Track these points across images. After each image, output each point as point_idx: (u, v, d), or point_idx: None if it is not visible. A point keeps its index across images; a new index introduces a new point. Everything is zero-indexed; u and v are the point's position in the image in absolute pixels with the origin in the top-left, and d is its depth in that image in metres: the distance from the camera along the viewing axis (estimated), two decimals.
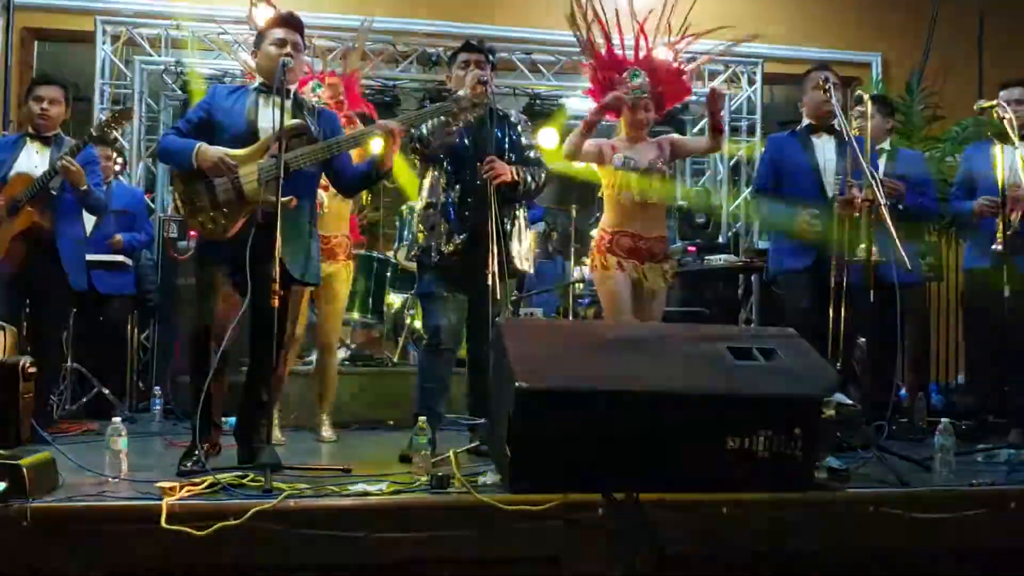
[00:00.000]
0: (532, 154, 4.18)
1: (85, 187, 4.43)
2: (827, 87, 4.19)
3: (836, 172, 4.28)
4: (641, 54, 4.33)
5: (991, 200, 4.37)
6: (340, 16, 7.07)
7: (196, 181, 3.43)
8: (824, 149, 4.41)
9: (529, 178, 4.03)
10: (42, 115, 4.50)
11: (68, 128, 4.75)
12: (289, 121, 3.37)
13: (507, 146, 4.07)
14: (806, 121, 4.52)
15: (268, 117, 3.48)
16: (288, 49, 3.52)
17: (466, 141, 4.03)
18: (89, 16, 7.06)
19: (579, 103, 7.96)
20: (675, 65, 4.34)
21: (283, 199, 3.26)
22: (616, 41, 4.34)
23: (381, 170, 3.61)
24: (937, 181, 5.78)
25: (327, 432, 4.61)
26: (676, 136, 4.37)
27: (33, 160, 4.48)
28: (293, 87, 3.62)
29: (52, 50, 7.68)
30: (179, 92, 7.24)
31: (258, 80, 3.66)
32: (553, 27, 7.40)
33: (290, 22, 3.63)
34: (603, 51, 4.36)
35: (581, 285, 6.63)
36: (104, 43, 6.99)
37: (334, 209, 4.54)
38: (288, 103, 3.42)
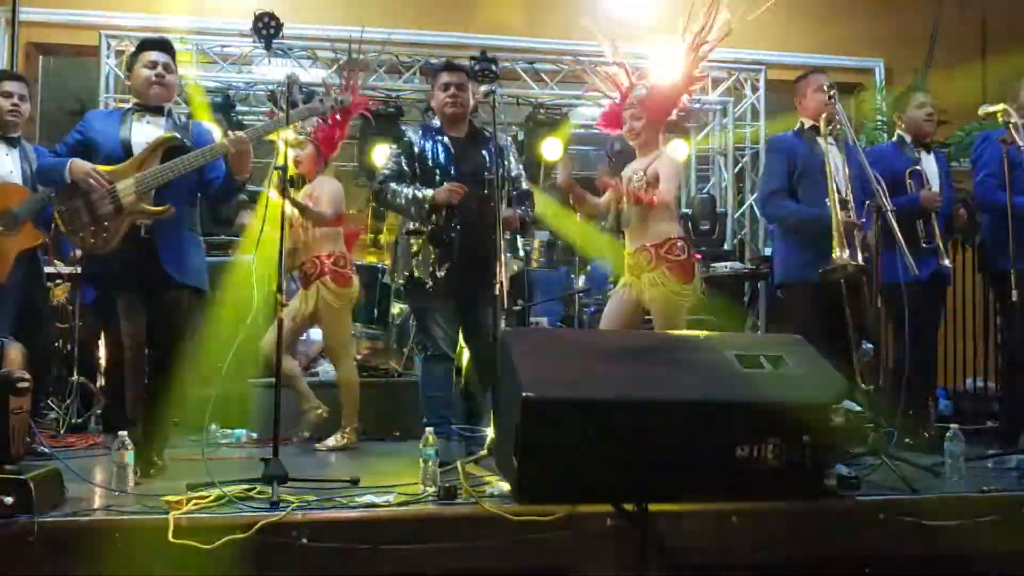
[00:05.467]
0: (524, 185, 4.36)
1: None
2: (831, 92, 4.17)
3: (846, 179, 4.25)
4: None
5: None
6: (342, 28, 7.07)
7: (75, 198, 3.57)
8: (830, 151, 4.36)
9: (527, 217, 4.31)
10: (12, 111, 4.26)
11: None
12: (162, 134, 3.65)
13: (490, 165, 4.02)
14: (807, 123, 4.47)
15: (142, 134, 3.69)
16: (159, 70, 3.75)
17: (449, 164, 4.15)
18: (93, 31, 7.10)
19: (582, 111, 7.98)
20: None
21: (159, 208, 3.54)
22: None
23: (236, 180, 3.71)
24: None
25: (330, 440, 4.56)
26: (663, 165, 4.13)
27: (6, 165, 4.24)
28: (167, 104, 3.84)
29: (56, 65, 7.71)
30: (183, 105, 7.25)
31: (132, 101, 3.88)
32: (556, 36, 7.44)
33: (159, 45, 3.86)
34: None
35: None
36: (108, 57, 7.03)
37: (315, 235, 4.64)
38: (161, 119, 3.76)
